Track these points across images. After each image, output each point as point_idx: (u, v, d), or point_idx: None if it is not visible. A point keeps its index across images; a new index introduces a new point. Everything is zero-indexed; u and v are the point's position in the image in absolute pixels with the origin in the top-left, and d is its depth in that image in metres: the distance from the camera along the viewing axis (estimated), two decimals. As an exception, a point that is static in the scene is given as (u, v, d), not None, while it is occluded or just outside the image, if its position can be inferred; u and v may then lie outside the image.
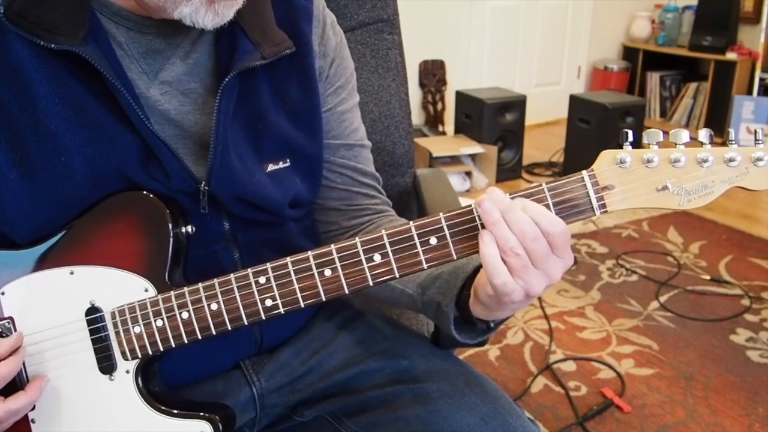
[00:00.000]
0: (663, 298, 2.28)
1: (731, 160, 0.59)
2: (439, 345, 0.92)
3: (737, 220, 2.93)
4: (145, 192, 0.70)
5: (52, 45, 0.65)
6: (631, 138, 0.61)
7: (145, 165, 0.70)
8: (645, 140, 0.61)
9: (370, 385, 0.84)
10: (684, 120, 4.38)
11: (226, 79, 0.71)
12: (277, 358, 0.85)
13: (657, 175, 0.61)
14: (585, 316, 2.19)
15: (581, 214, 0.62)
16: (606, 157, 0.62)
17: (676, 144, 0.60)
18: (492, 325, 0.72)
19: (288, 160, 0.79)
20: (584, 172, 0.62)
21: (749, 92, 4.02)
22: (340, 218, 0.88)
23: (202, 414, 0.70)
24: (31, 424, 0.71)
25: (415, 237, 0.64)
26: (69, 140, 0.67)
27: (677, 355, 1.96)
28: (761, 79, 3.98)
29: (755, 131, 0.61)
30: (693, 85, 4.35)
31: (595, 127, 3.34)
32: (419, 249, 0.64)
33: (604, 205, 0.62)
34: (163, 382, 0.74)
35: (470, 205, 0.63)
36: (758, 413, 1.70)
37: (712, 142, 0.60)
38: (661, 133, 0.61)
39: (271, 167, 0.77)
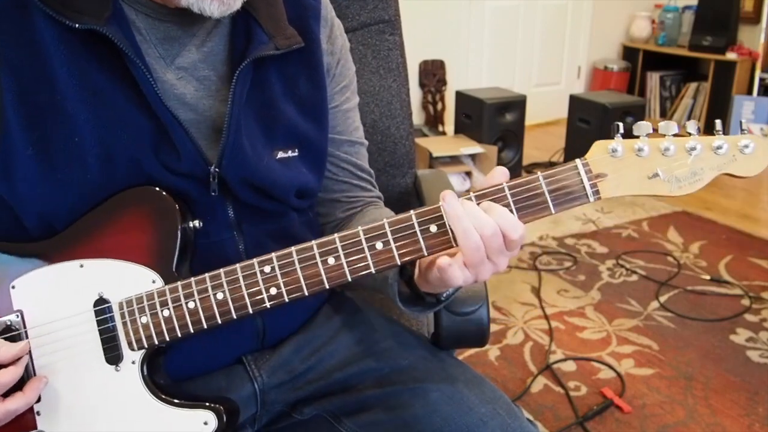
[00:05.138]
0: (663, 298, 2.29)
1: (719, 147, 0.62)
2: (439, 345, 0.93)
3: (737, 220, 2.93)
4: (155, 187, 0.71)
5: (77, 24, 0.67)
6: (621, 130, 0.64)
7: (156, 148, 0.71)
8: (635, 133, 0.63)
9: (370, 384, 0.84)
10: (684, 120, 4.38)
11: (242, 65, 0.74)
12: (279, 354, 0.85)
13: (648, 163, 0.63)
14: (585, 316, 2.19)
15: (576, 200, 0.64)
16: (598, 147, 0.64)
17: (665, 135, 0.63)
18: (442, 298, 0.74)
19: (296, 150, 0.81)
20: (578, 161, 0.64)
21: (749, 92, 4.03)
22: (336, 210, 0.91)
23: (206, 404, 0.71)
24: (36, 416, 0.71)
25: (416, 225, 0.65)
26: (83, 121, 0.69)
27: (677, 355, 1.97)
28: (761, 79, 3.98)
29: (740, 122, 0.64)
30: (693, 85, 4.36)
31: (595, 127, 3.34)
32: (419, 236, 0.65)
33: (597, 192, 0.64)
34: (167, 374, 0.74)
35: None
36: (758, 413, 1.71)
37: (699, 133, 0.63)
38: (650, 126, 0.63)
39: (280, 155, 0.80)
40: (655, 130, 0.63)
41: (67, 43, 0.68)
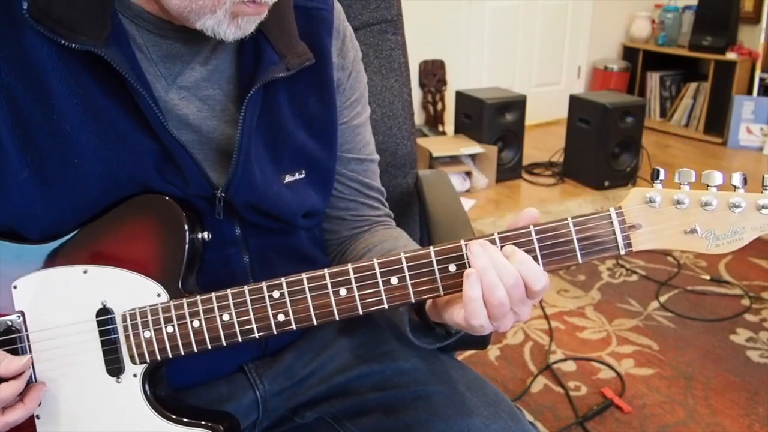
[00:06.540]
0: (663, 298, 2.29)
1: (764, 207, 0.58)
2: (441, 348, 0.92)
3: (737, 220, 2.93)
4: (163, 196, 0.69)
5: (74, 45, 0.64)
6: (662, 176, 0.60)
7: (160, 170, 0.69)
8: (676, 179, 0.60)
9: (372, 387, 0.84)
10: (684, 120, 4.38)
11: (252, 91, 0.70)
12: (280, 361, 0.84)
13: (686, 217, 0.59)
14: (585, 316, 2.19)
15: (605, 251, 0.61)
16: (636, 194, 0.61)
17: (708, 186, 0.59)
18: (453, 331, 0.72)
19: (304, 172, 0.79)
20: (612, 209, 0.61)
21: (749, 92, 4.03)
22: (342, 228, 0.89)
23: (206, 423, 0.70)
24: (36, 420, 0.71)
25: (434, 263, 0.63)
26: (84, 142, 0.67)
27: (677, 355, 1.97)
28: (761, 79, 3.98)
29: None
30: (693, 85, 4.35)
31: (595, 127, 3.34)
32: (437, 275, 0.63)
33: (629, 244, 0.61)
34: (168, 383, 0.74)
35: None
36: (758, 413, 1.71)
37: (745, 186, 0.59)
38: (693, 173, 0.59)
39: (288, 178, 0.78)
40: (698, 173, 0.59)
41: (65, 61, 0.65)
